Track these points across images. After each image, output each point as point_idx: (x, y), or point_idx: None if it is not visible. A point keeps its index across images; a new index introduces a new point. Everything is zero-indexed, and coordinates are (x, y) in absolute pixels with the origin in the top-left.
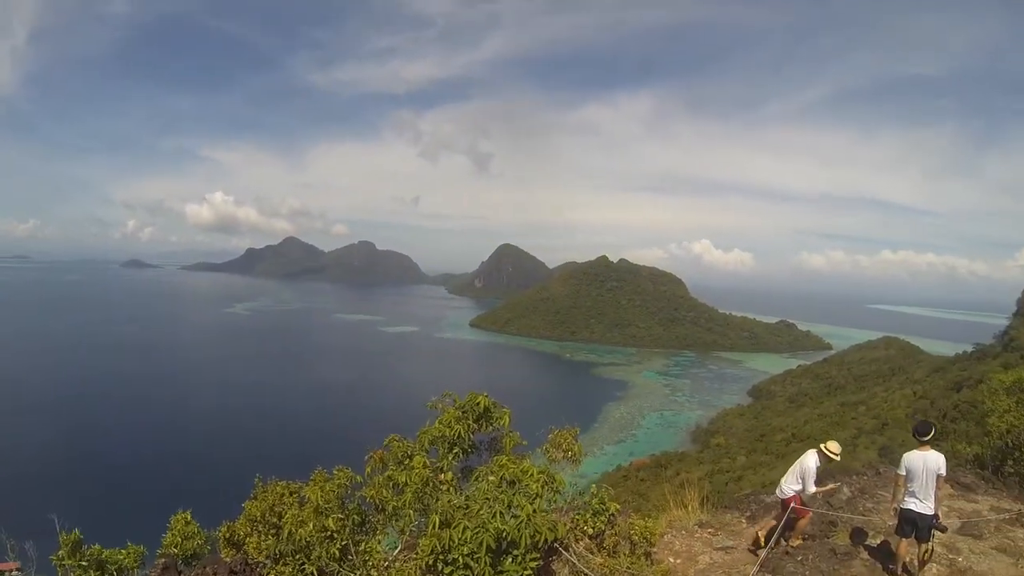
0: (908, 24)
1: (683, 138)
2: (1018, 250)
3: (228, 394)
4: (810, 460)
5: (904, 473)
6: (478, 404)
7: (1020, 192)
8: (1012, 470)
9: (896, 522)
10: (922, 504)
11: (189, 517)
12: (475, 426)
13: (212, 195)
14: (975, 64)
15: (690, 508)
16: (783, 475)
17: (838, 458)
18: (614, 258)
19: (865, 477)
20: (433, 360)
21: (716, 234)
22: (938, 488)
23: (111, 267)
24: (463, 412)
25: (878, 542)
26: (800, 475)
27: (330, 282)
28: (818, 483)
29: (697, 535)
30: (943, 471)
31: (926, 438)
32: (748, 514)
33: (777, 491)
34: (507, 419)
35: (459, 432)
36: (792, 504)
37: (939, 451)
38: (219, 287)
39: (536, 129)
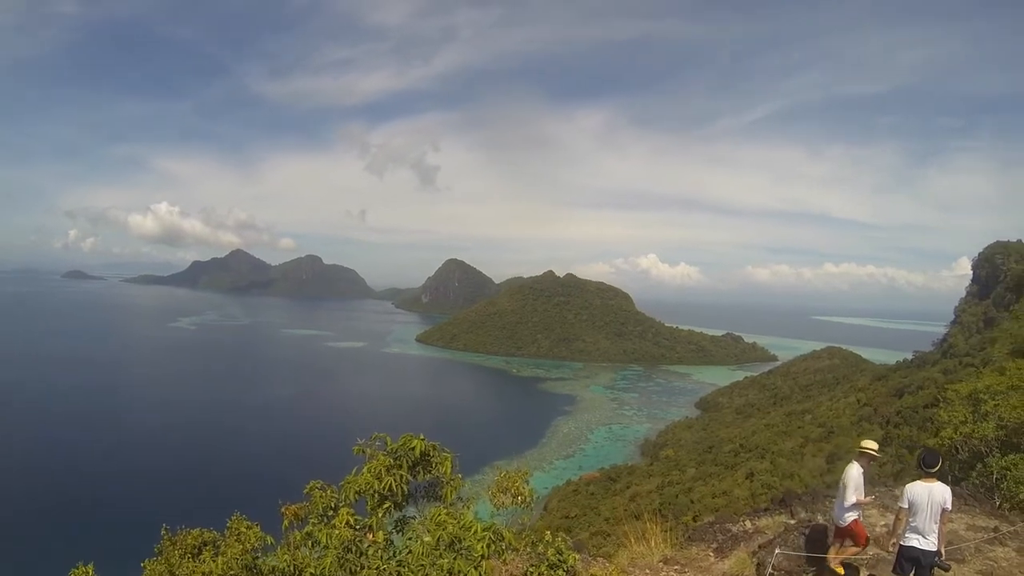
0: (853, 46)
1: (632, 153)
2: (954, 261)
3: (166, 414)
4: (852, 471)
5: (907, 506)
6: (413, 449)
7: (956, 208)
8: (977, 481)
9: (894, 559)
10: (925, 540)
11: (91, 572)
12: (408, 476)
13: (157, 205)
14: (916, 85)
15: (653, 543)
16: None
17: (878, 454)
18: (561, 273)
19: (834, 497)
20: (380, 377)
21: (663, 248)
22: (943, 523)
23: (52, 278)
24: (396, 458)
25: None
26: (842, 490)
27: (277, 296)
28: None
29: (663, 573)
30: (949, 505)
31: (934, 470)
32: (715, 546)
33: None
34: (448, 464)
35: (390, 485)
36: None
37: (944, 482)
38: (163, 300)
39: (486, 143)
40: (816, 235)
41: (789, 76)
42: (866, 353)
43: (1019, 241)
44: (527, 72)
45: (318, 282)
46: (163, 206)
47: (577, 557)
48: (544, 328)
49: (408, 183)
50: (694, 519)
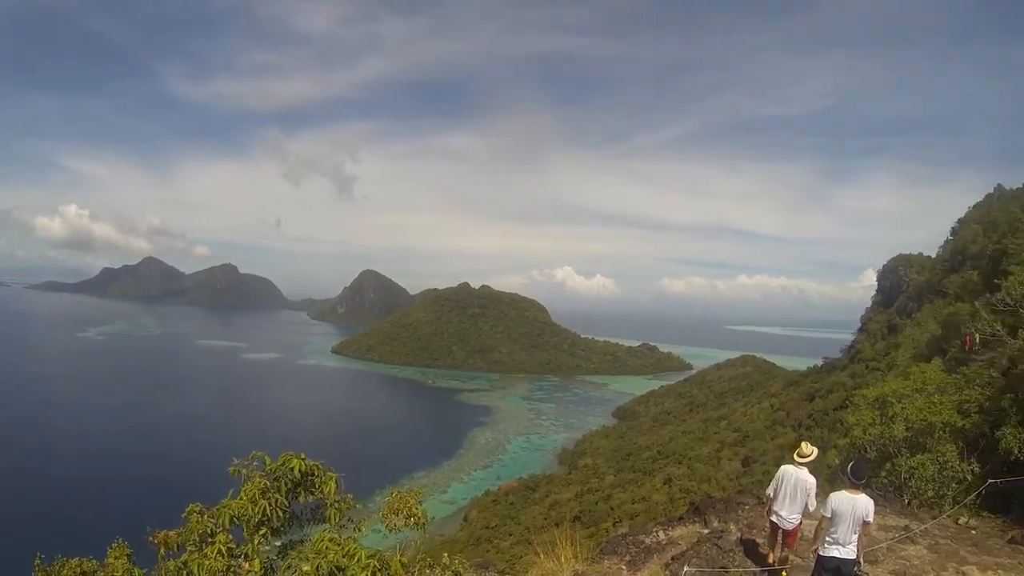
0: (769, 70)
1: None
2: (861, 273)
3: (65, 430)
4: (807, 475)
5: (829, 515)
6: (292, 469)
7: (863, 223)
8: (887, 481)
9: (813, 567)
10: (844, 550)
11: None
12: (285, 500)
13: (66, 207)
14: (828, 107)
15: (563, 559)
16: (779, 502)
17: (813, 457)
18: (476, 285)
19: (747, 507)
20: (296, 389)
21: (579, 261)
22: (864, 535)
23: None
24: (275, 479)
25: None
26: (806, 495)
27: (191, 306)
28: None
29: None
30: (871, 518)
31: (861, 482)
32: (627, 559)
33: (775, 518)
34: (333, 485)
35: (264, 509)
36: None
37: (869, 495)
38: (71, 309)
39: (405, 154)
40: (731, 248)
41: (708, 97)
42: (778, 360)
43: (920, 254)
44: (449, 83)
45: (233, 292)
46: (72, 208)
47: None
48: (459, 339)
49: (325, 192)
50: (614, 525)
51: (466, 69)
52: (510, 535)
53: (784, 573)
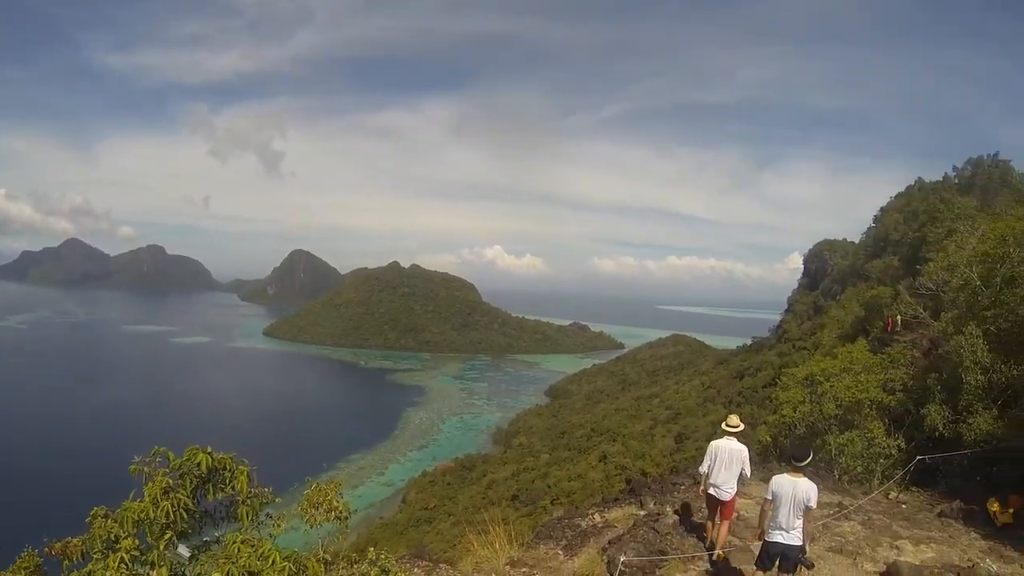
0: (700, 58)
1: (482, 146)
2: (787, 256)
3: None
4: (738, 444)
5: (770, 498)
6: (198, 464)
7: (789, 207)
8: (818, 458)
9: (758, 553)
10: (788, 535)
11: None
12: (189, 499)
13: None
14: (756, 96)
15: (498, 545)
16: (714, 474)
17: (741, 428)
18: (406, 264)
19: (683, 487)
20: (227, 374)
21: (509, 240)
22: (807, 521)
23: None
24: (181, 476)
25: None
26: (741, 464)
27: (117, 290)
28: None
29: None
30: (813, 503)
31: (802, 464)
32: (564, 543)
33: (712, 491)
34: (244, 479)
35: (168, 511)
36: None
37: (811, 479)
38: None
39: (334, 131)
40: (661, 230)
41: (641, 80)
42: (708, 340)
43: (844, 240)
44: (382, 61)
45: (161, 274)
46: None
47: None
48: (391, 319)
49: (254, 170)
50: (552, 503)
51: (400, 47)
52: (449, 515)
53: (721, 554)
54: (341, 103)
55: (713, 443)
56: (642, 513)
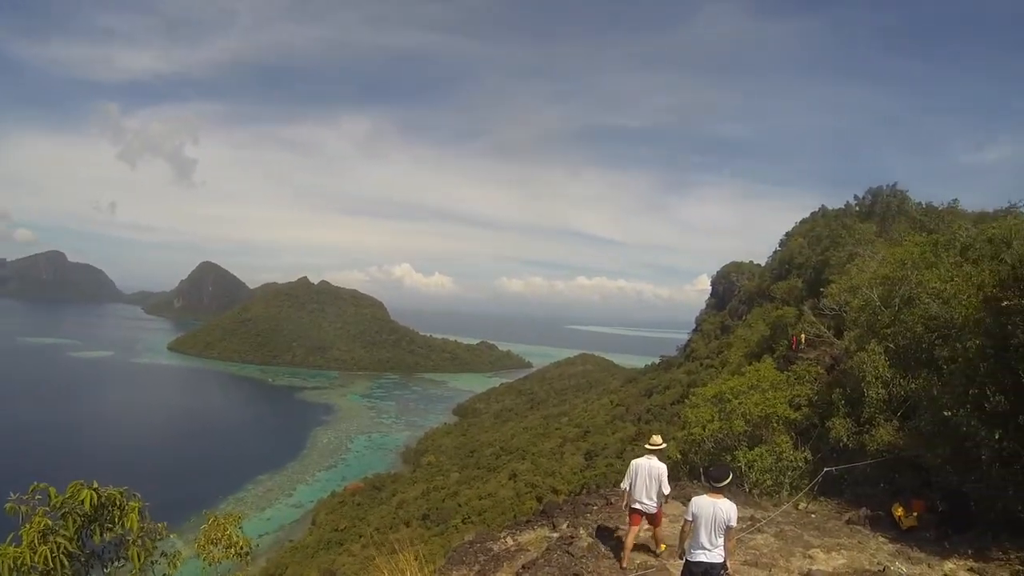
0: (615, 82)
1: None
2: (696, 278)
3: None
4: (658, 463)
5: (691, 519)
6: (82, 502)
7: (697, 231)
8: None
9: (680, 573)
10: (711, 554)
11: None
12: (70, 544)
13: None
14: (668, 122)
15: (409, 574)
16: (636, 491)
17: (663, 446)
18: (315, 279)
19: (595, 508)
20: (129, 391)
21: (418, 258)
22: (727, 540)
23: None
24: (63, 515)
25: None
26: (659, 482)
27: (12, 299)
28: None
29: None
30: (734, 522)
31: (720, 484)
32: (476, 568)
33: (637, 505)
34: (135, 517)
35: (46, 557)
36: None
37: (729, 498)
38: None
39: (250, 140)
40: (571, 250)
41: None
42: (617, 359)
43: (751, 262)
44: (300, 71)
45: (60, 283)
46: None
47: None
48: (299, 336)
49: (163, 176)
50: (463, 522)
51: (316, 57)
52: (360, 536)
53: (664, 546)
54: (256, 112)
55: (634, 461)
56: (555, 535)
